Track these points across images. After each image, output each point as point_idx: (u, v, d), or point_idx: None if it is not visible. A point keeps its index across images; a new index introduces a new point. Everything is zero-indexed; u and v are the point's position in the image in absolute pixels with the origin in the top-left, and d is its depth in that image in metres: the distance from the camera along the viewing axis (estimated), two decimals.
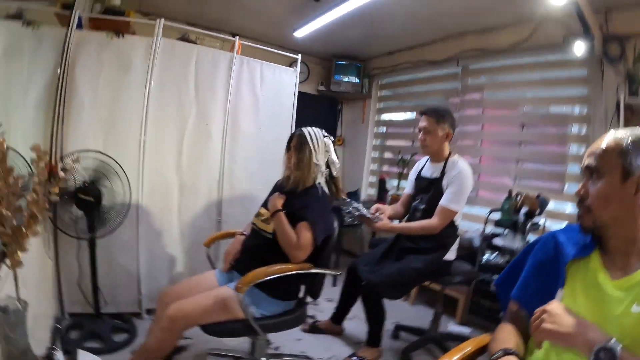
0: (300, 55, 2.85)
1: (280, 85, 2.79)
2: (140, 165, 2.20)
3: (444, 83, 3.64)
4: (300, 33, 3.20)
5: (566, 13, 2.55)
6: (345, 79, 4.32)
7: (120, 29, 2.15)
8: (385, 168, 4.34)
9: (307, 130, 1.80)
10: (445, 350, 2.26)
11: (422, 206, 2.19)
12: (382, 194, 3.85)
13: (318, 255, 1.69)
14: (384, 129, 4.49)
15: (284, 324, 1.66)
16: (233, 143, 2.60)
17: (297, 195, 1.74)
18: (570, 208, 2.73)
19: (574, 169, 2.73)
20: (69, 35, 1.93)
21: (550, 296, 0.93)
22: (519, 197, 2.67)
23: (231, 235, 2.03)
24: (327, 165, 1.85)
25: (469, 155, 3.20)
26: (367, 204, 2.39)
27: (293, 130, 2.87)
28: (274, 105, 2.77)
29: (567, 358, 0.86)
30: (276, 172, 2.86)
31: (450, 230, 2.14)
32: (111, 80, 2.13)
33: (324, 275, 1.76)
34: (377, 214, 2.13)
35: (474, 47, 3.22)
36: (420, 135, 2.17)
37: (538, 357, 0.93)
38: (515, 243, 2.53)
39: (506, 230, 2.75)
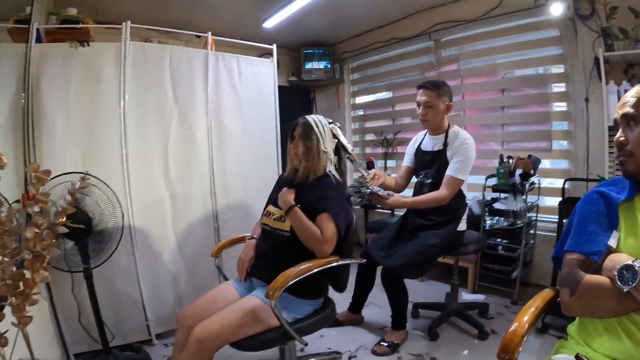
0: (275, 45, 2.72)
1: (259, 78, 2.66)
2: (125, 182, 2.02)
3: (418, 58, 3.63)
4: (270, 23, 3.08)
5: None
6: (316, 66, 4.23)
7: (83, 39, 1.95)
8: (368, 150, 4.31)
9: (312, 118, 1.70)
10: (468, 320, 2.27)
11: (429, 180, 2.16)
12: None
13: (342, 246, 1.61)
14: (361, 111, 4.44)
15: (318, 324, 1.57)
16: (220, 144, 2.45)
17: (309, 187, 1.63)
18: (563, 164, 2.80)
19: (559, 126, 2.80)
20: (28, 50, 1.72)
21: (604, 240, 0.95)
22: (511, 160, 2.72)
23: (239, 240, 1.91)
24: (336, 153, 1.76)
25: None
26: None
27: (278, 123, 2.78)
28: (256, 99, 2.64)
29: None
30: (269, 168, 2.78)
31: (460, 200, 2.13)
32: (82, 94, 1.94)
33: (348, 266, 1.69)
34: (375, 184, 2.05)
35: (445, 20, 3.22)
36: (420, 110, 2.13)
37: None
38: (517, 204, 2.57)
39: (503, 195, 2.79)
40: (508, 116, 3.02)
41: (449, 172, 2.05)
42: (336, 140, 1.77)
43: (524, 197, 2.56)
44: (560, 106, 2.77)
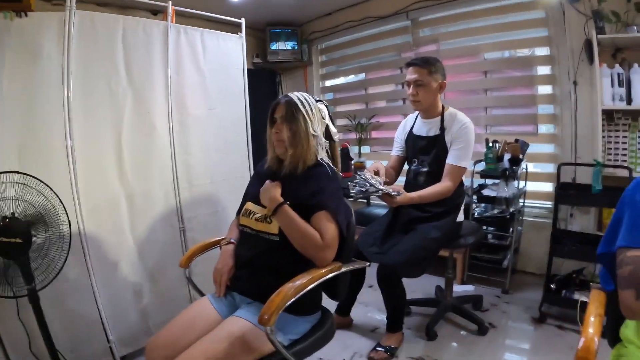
0: (243, 19, 2.38)
1: (226, 55, 2.31)
2: (72, 181, 1.64)
3: (394, 38, 3.43)
4: None
5: None
6: (283, 47, 3.90)
7: (21, 9, 1.54)
8: (340, 136, 4.07)
9: (296, 96, 1.40)
10: (465, 315, 2.15)
11: (425, 169, 1.97)
12: (346, 163, 3.58)
13: (342, 248, 1.35)
14: (331, 95, 4.19)
15: (318, 343, 1.32)
16: (183, 131, 2.10)
17: (299, 179, 1.36)
18: (549, 149, 2.73)
19: (545, 109, 2.72)
20: None
21: None
22: (497, 144, 2.60)
23: (212, 245, 1.60)
24: (326, 136, 1.49)
25: None
26: None
27: (247, 106, 2.47)
28: (223, 79, 2.30)
29: None
30: (238, 157, 2.45)
31: (459, 189, 1.98)
32: (18, 74, 1.54)
33: (348, 271, 1.45)
34: (379, 181, 1.81)
35: None
36: (410, 90, 1.92)
37: None
38: (509, 191, 2.45)
39: (490, 181, 2.68)
40: (491, 99, 2.91)
41: (450, 160, 1.87)
42: (325, 122, 1.50)
43: (515, 183, 2.46)
44: (545, 89, 2.69)
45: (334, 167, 1.44)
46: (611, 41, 2.19)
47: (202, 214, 2.19)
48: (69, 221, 1.47)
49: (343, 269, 1.33)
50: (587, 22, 2.28)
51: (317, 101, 1.46)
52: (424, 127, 2.00)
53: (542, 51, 2.70)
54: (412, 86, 1.90)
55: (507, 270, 2.53)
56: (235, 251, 1.44)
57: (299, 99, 1.40)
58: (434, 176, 1.92)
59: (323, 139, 1.44)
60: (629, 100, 2.12)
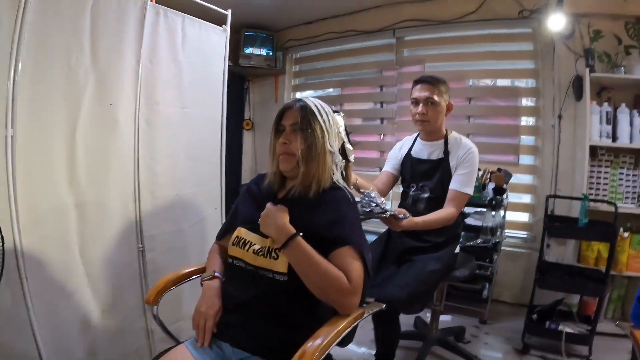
0: (230, 11, 2.11)
1: (207, 47, 2.02)
2: (9, 181, 1.25)
3: (376, 55, 3.34)
4: None
5: None
6: (257, 52, 3.65)
7: None
8: None
9: (312, 102, 1.17)
10: (451, 347, 2.05)
11: (426, 195, 1.82)
12: None
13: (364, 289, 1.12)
14: None
15: None
16: (150, 131, 1.76)
17: (311, 204, 1.11)
18: (528, 179, 2.75)
19: (527, 140, 2.76)
20: None
21: None
22: (480, 172, 2.57)
23: (188, 277, 1.29)
24: (342, 154, 1.27)
25: (410, 132, 2.97)
26: None
27: (224, 110, 2.18)
28: (201, 75, 2.00)
29: None
30: (210, 168, 2.15)
31: (460, 218, 1.86)
32: None
33: None
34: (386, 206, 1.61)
35: (413, 17, 2.97)
36: (418, 109, 1.77)
37: None
38: (494, 220, 2.41)
39: (472, 209, 2.64)
40: (474, 126, 2.91)
41: (454, 186, 1.74)
42: (342, 138, 1.29)
43: (500, 212, 2.42)
44: (529, 120, 2.74)
45: (351, 191, 1.22)
46: (598, 80, 2.27)
47: (166, 231, 1.84)
48: (2, 236, 1.09)
49: (366, 315, 1.10)
50: (578, 60, 2.34)
51: (334, 111, 1.24)
52: (425, 150, 1.87)
53: (528, 83, 2.75)
54: (421, 104, 1.76)
55: (487, 301, 2.49)
56: (223, 289, 1.15)
57: (315, 105, 1.16)
58: (435, 203, 1.78)
59: (340, 157, 1.22)
60: (614, 138, 2.19)
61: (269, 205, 1.11)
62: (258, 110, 4.14)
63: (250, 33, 3.60)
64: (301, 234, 1.03)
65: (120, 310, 1.65)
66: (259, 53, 3.66)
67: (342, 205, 1.12)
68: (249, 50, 3.61)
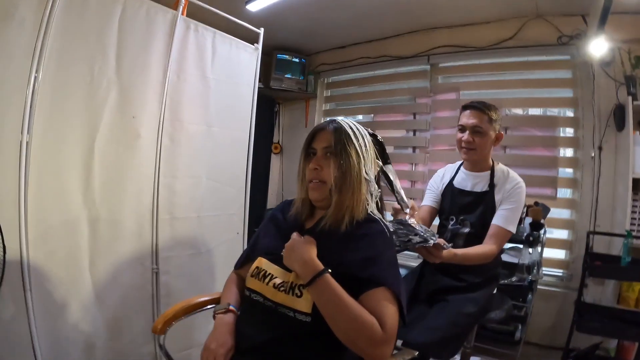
0: (262, 29, 2.09)
1: (237, 66, 2.00)
2: (20, 190, 1.20)
3: (410, 81, 3.23)
4: (256, 6, 2.47)
5: (557, 12, 2.40)
6: (288, 75, 3.63)
7: None
8: None
9: (347, 123, 1.06)
10: None
11: (467, 230, 1.64)
12: None
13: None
14: None
15: None
16: (173, 148, 1.71)
17: (343, 237, 0.98)
18: (565, 214, 2.56)
19: (565, 173, 2.56)
20: None
21: None
22: None
23: (200, 307, 1.18)
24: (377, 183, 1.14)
25: (444, 162, 2.82)
26: None
27: (252, 132, 2.11)
28: (230, 94, 1.97)
29: None
30: (234, 192, 2.05)
31: (499, 256, 1.67)
32: None
33: None
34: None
35: (448, 43, 2.87)
36: (465, 136, 1.63)
37: None
38: (531, 257, 2.19)
39: (509, 245, 2.42)
40: (510, 157, 2.72)
41: (498, 221, 1.57)
42: (379, 164, 1.16)
43: (537, 249, 2.21)
44: (567, 152, 2.57)
45: (389, 225, 1.08)
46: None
47: (183, 254, 1.77)
48: (4, 247, 1.02)
49: None
50: (619, 87, 2.20)
51: (370, 135, 1.12)
52: (469, 181, 1.71)
53: (567, 112, 2.58)
54: (468, 132, 1.62)
55: (520, 343, 2.28)
56: (239, 327, 1.01)
57: (350, 127, 1.05)
58: (476, 238, 1.60)
59: (375, 186, 1.08)
60: None
61: (294, 235, 0.99)
62: (287, 134, 4.10)
63: (283, 56, 3.60)
64: (330, 270, 0.90)
65: (128, 333, 1.55)
66: (291, 76, 3.64)
67: (377, 241, 0.98)
68: (280, 73, 3.61)
